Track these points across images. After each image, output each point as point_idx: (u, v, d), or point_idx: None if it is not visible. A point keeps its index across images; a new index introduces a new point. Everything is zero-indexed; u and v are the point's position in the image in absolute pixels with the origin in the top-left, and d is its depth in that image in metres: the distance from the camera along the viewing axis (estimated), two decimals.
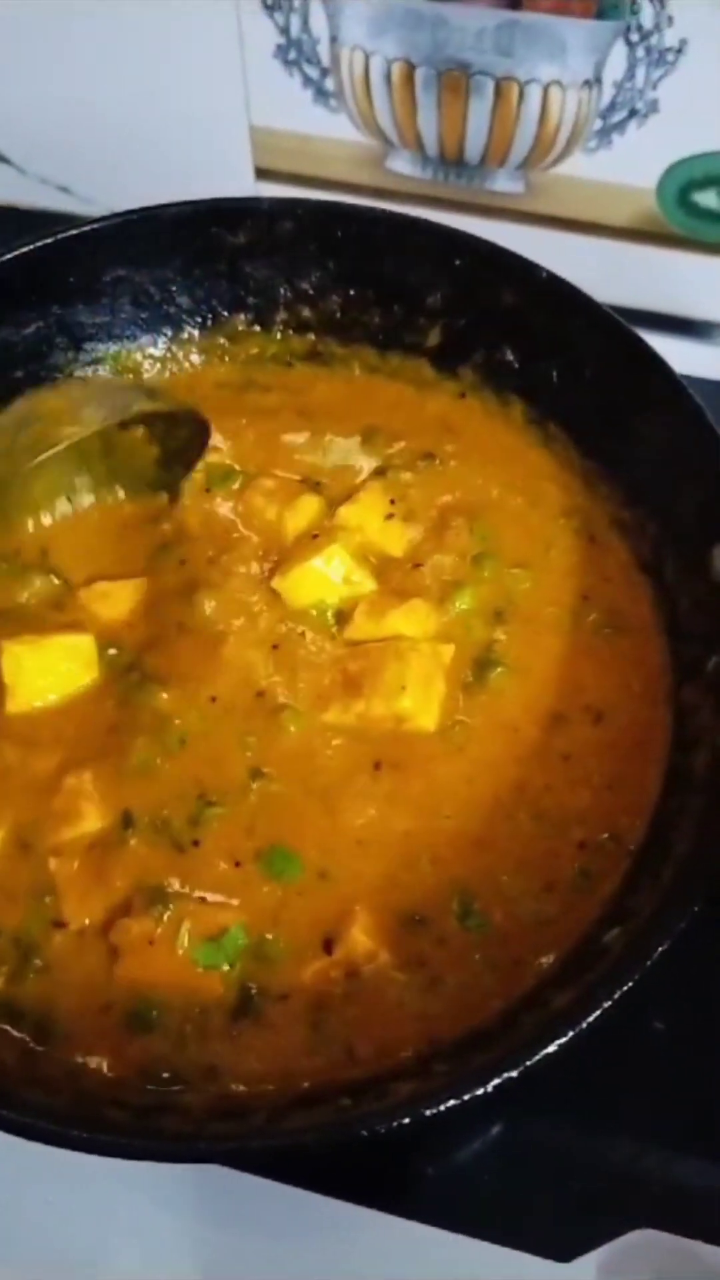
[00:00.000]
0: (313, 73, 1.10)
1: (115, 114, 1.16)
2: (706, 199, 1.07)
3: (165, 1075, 0.63)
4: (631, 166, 1.07)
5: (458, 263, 0.84)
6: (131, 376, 0.90)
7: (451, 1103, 0.56)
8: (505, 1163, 0.76)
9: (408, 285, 0.87)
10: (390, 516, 0.82)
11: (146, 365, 0.92)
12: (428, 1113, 0.55)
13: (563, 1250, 0.72)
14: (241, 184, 1.16)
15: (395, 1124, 0.55)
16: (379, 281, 0.88)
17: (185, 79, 1.11)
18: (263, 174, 1.16)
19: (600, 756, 0.72)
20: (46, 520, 0.81)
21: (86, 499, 0.82)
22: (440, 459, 0.86)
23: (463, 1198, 0.74)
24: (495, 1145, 0.77)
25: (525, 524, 0.83)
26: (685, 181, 1.07)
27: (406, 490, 0.84)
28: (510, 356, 0.86)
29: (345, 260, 0.88)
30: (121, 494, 0.83)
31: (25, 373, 0.87)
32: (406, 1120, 0.55)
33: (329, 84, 1.09)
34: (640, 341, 0.76)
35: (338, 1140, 0.56)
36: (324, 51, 1.07)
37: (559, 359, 0.84)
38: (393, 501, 0.83)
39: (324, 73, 1.09)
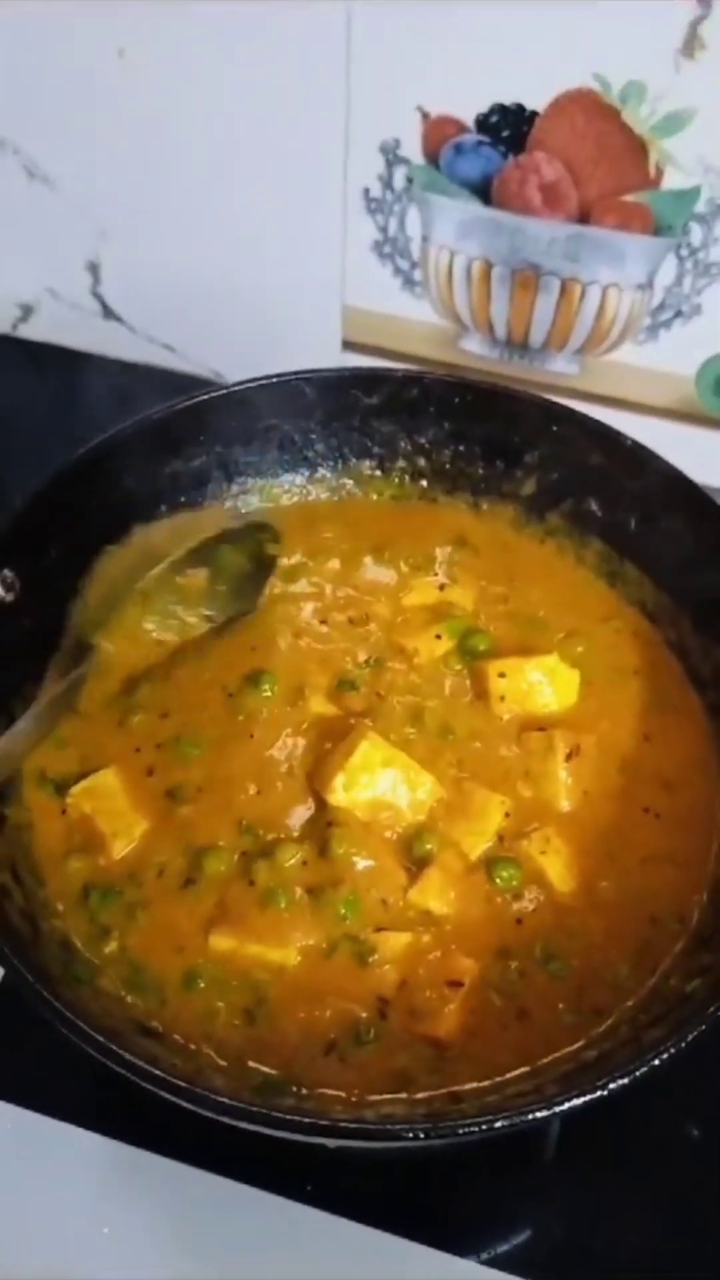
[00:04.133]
0: (403, 265, 1.20)
1: (223, 284, 1.26)
2: None
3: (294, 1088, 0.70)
4: (674, 358, 1.15)
5: (555, 429, 0.93)
6: (231, 504, 1.00)
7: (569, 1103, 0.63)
8: (556, 1196, 0.81)
9: (510, 444, 0.97)
10: (443, 587, 0.93)
11: (284, 498, 1.02)
12: (545, 1112, 0.62)
13: None
14: (330, 353, 1.26)
15: (520, 1120, 0.62)
16: (486, 440, 0.98)
17: (291, 260, 1.21)
18: (349, 345, 1.27)
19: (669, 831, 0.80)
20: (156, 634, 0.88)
21: (190, 618, 0.89)
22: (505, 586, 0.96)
23: (503, 1230, 0.80)
24: (547, 1177, 0.82)
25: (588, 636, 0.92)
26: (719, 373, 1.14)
27: (456, 573, 0.95)
28: (594, 507, 0.96)
29: (458, 422, 0.98)
30: (215, 613, 0.90)
31: (187, 498, 0.97)
32: (534, 1115, 0.63)
33: (417, 275, 1.19)
34: (706, 497, 0.86)
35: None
36: (415, 248, 1.17)
37: (638, 510, 0.93)
38: (441, 588, 0.94)
39: (413, 265, 1.18)
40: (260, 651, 0.88)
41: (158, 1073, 0.61)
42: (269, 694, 0.85)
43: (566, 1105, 0.61)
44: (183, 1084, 0.60)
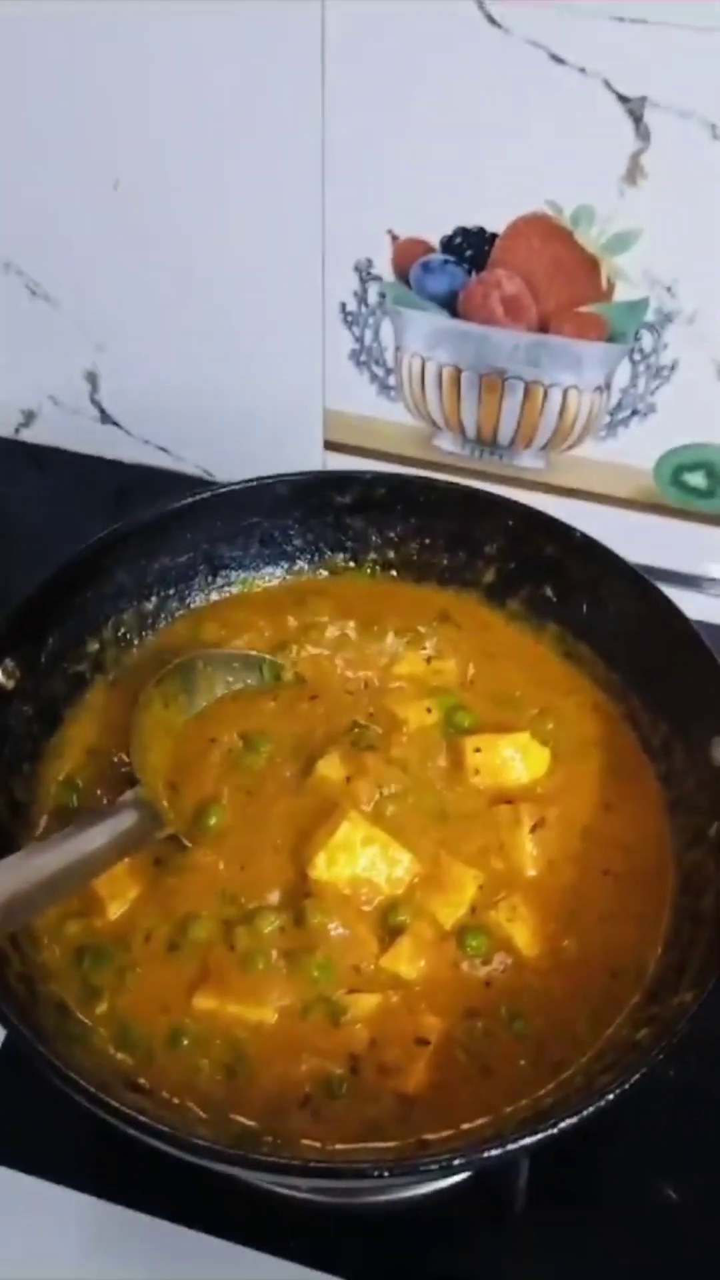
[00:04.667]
0: (379, 372, 1.24)
1: (212, 391, 1.30)
2: (695, 479, 1.20)
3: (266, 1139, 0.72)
4: (633, 452, 1.19)
5: (510, 523, 0.98)
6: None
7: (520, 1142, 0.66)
8: (531, 1245, 0.83)
9: (470, 537, 1.01)
10: (430, 660, 0.96)
11: (261, 587, 1.06)
12: (499, 1150, 0.65)
13: None
14: (313, 453, 1.30)
15: (476, 1156, 0.66)
16: (448, 534, 1.02)
17: (274, 368, 1.25)
18: (331, 445, 1.30)
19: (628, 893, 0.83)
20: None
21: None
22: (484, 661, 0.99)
23: None
24: (521, 1226, 0.83)
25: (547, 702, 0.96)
26: (676, 465, 1.20)
27: (442, 646, 0.99)
28: (550, 593, 1.00)
29: (423, 517, 1.02)
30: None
31: (174, 591, 1.02)
32: (489, 1153, 0.66)
33: (391, 381, 1.23)
34: (653, 587, 0.90)
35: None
36: (389, 356, 1.21)
37: (588, 596, 0.97)
38: (429, 660, 0.97)
39: (388, 372, 1.23)
40: (263, 715, 0.92)
41: (145, 1120, 0.64)
42: (264, 757, 0.88)
43: (519, 1144, 0.65)
44: (167, 1130, 0.64)
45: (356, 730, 0.89)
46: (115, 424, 1.37)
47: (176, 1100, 0.73)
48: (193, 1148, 0.65)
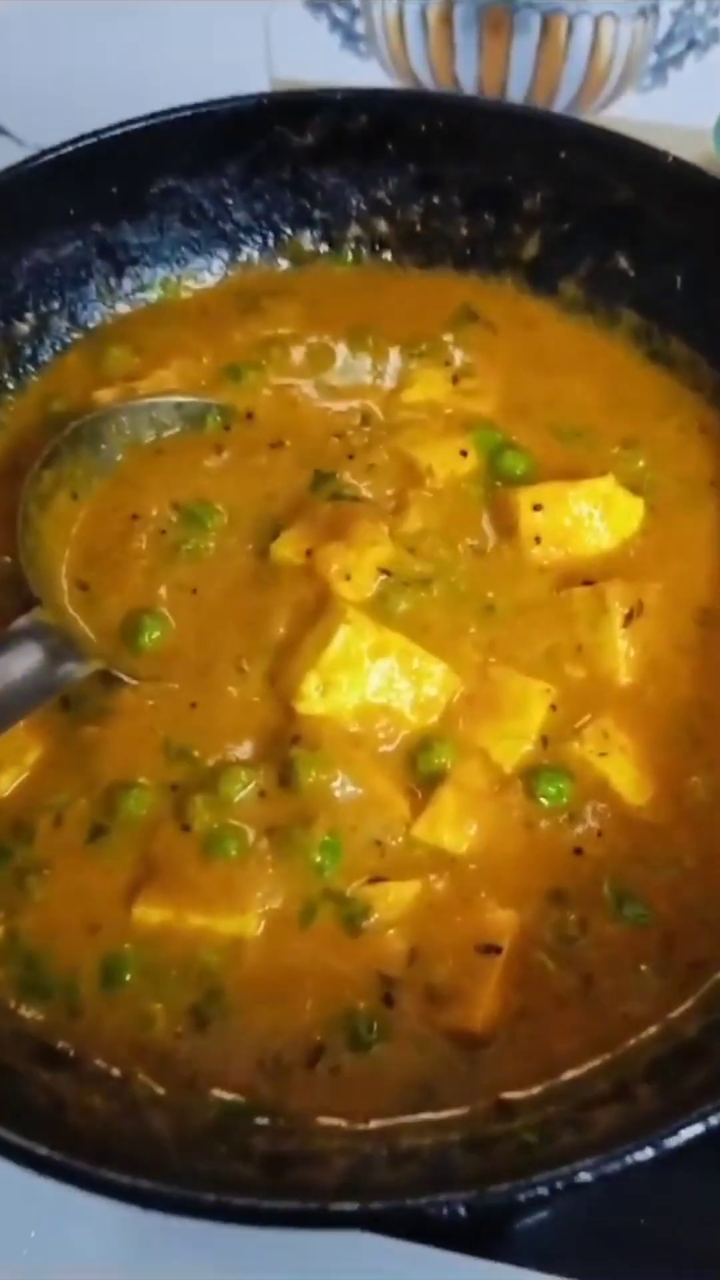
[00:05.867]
0: (341, 15, 1.09)
1: (125, 72, 1.07)
2: None
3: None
4: (688, 105, 1.02)
5: (563, 155, 0.78)
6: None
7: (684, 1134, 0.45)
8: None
9: (503, 187, 0.81)
10: (457, 379, 0.77)
11: (192, 290, 0.85)
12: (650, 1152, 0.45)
13: None
14: None
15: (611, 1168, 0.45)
16: (468, 185, 0.83)
17: (204, 30, 1.08)
18: None
19: None
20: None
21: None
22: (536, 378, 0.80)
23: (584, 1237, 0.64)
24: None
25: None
26: None
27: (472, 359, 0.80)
28: (624, 263, 0.80)
29: (428, 161, 0.82)
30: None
31: (59, 304, 0.81)
32: (632, 1158, 0.45)
33: (359, 27, 1.08)
34: None
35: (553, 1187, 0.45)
36: None
37: (684, 259, 0.77)
38: (455, 380, 0.78)
39: (354, 15, 1.08)
40: (205, 475, 0.75)
41: (47, 1154, 0.45)
42: (211, 538, 0.71)
43: (680, 1137, 0.45)
44: (84, 1169, 0.44)
45: (339, 484, 0.73)
46: (4, 133, 1.15)
47: (117, 1071, 0.57)
48: (132, 1194, 0.43)
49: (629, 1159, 0.44)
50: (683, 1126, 0.45)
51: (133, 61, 1.11)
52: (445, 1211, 0.44)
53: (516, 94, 1.09)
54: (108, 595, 0.71)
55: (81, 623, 0.69)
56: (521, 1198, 0.44)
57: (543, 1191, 0.44)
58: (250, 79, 1.09)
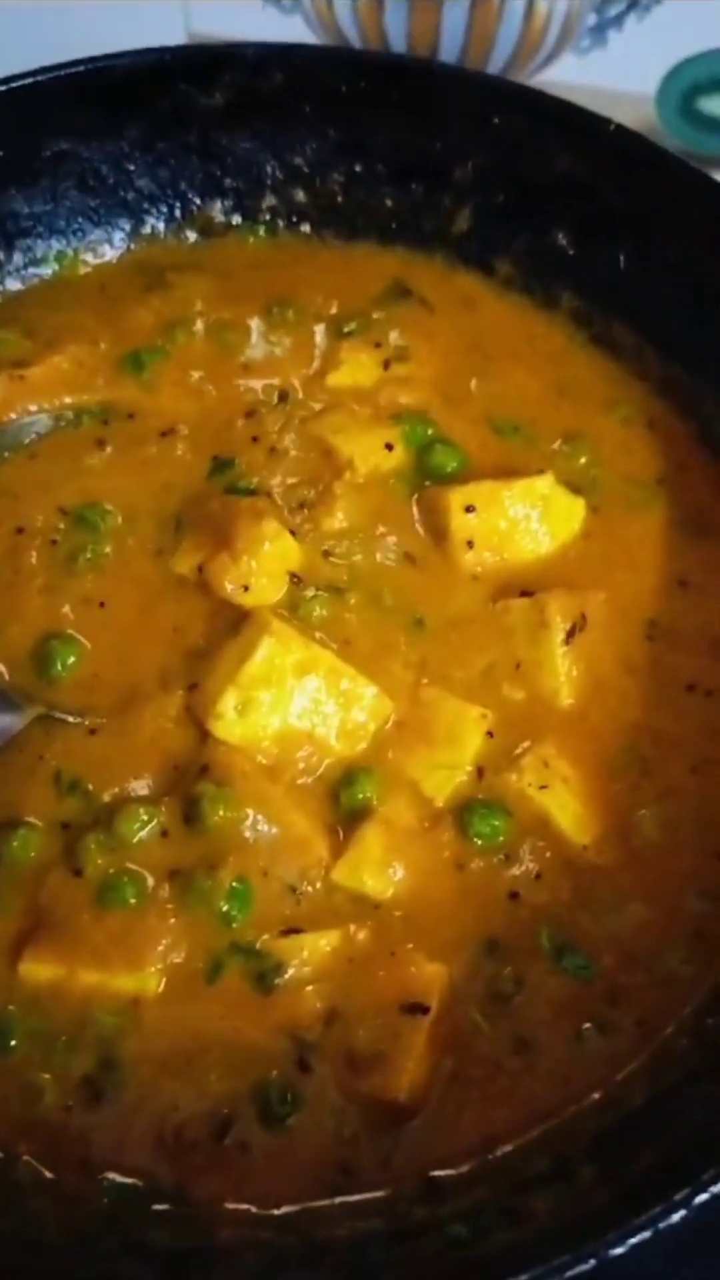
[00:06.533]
0: None
1: (43, 27, 1.05)
2: (714, 105, 1.02)
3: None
4: (629, 69, 1.01)
5: (497, 121, 0.73)
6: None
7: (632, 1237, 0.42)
8: None
9: (430, 155, 0.77)
10: (388, 363, 0.73)
11: (91, 265, 0.79)
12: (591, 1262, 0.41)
13: None
14: None
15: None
16: (394, 152, 0.78)
17: None
18: None
19: None
20: None
21: None
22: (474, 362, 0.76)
23: None
24: None
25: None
26: (689, 85, 1.02)
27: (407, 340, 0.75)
28: (563, 240, 0.76)
29: (350, 125, 0.77)
30: None
31: None
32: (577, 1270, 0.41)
33: None
34: None
35: None
36: None
37: (629, 238, 0.74)
38: (386, 364, 0.73)
39: None
40: (90, 474, 0.70)
41: None
42: (108, 543, 0.67)
43: (627, 1243, 0.41)
44: None
45: (237, 473, 0.69)
46: None
47: None
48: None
49: (567, 1274, 0.39)
50: (630, 1234, 0.41)
51: (37, 12, 1.08)
52: None
53: (449, 55, 1.06)
54: (9, 624, 0.66)
55: (2, 669, 0.64)
56: None
57: None
58: (166, 34, 1.03)
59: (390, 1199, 0.52)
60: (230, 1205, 0.52)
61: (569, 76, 1.04)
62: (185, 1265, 0.48)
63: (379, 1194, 0.52)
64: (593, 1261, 0.40)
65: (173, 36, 1.06)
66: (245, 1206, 0.51)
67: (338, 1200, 0.52)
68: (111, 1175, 0.52)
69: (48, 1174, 0.52)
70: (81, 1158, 0.52)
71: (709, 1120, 0.47)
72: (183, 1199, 0.53)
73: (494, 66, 1.05)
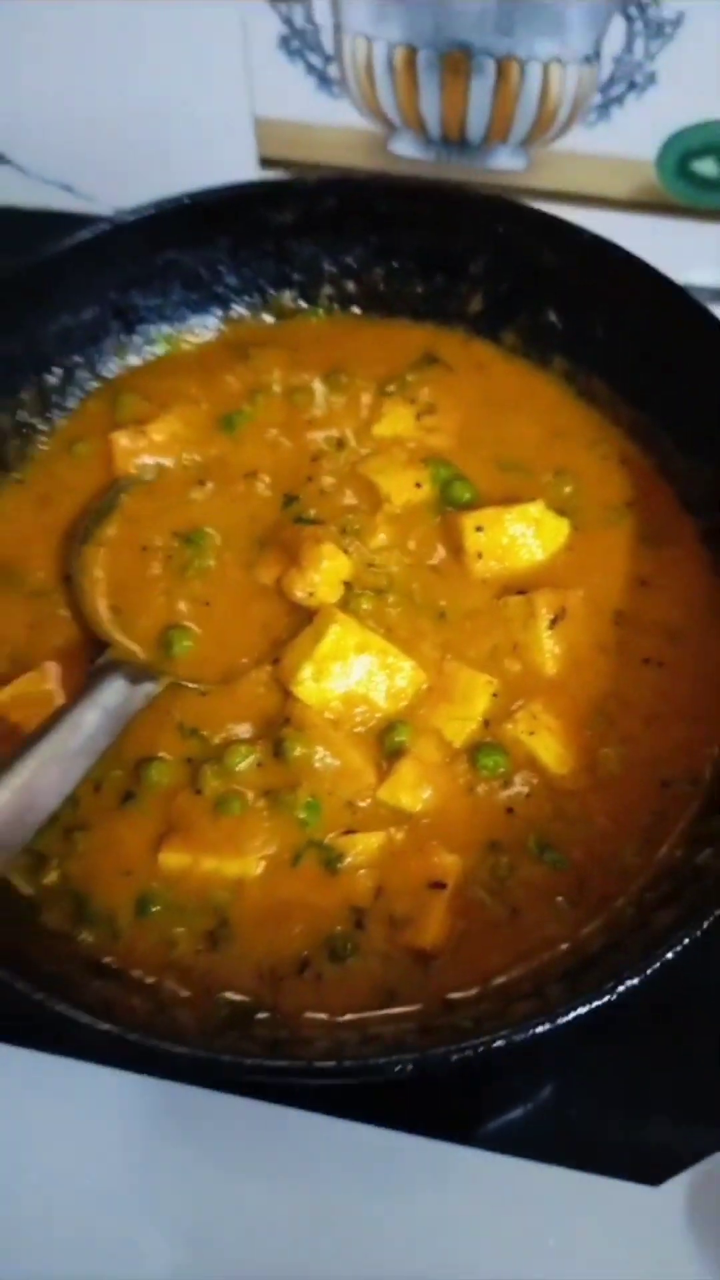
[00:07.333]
0: (316, 61, 1.10)
1: (117, 110, 1.16)
2: (705, 167, 1.08)
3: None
4: (631, 139, 1.08)
5: (500, 229, 0.85)
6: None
7: (574, 1013, 0.57)
8: (591, 1091, 0.76)
9: (450, 254, 0.88)
10: (421, 415, 0.84)
11: (192, 344, 0.92)
12: (548, 1026, 0.56)
13: (652, 1174, 0.73)
14: (246, 174, 1.18)
15: (520, 1037, 0.56)
16: (421, 252, 0.89)
17: (188, 73, 1.12)
18: (268, 163, 1.17)
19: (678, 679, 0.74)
20: None
21: None
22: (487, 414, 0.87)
23: (551, 1128, 0.75)
24: (581, 1075, 0.77)
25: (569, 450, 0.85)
26: (684, 151, 1.08)
27: (435, 396, 0.86)
28: (554, 317, 0.87)
29: (387, 233, 0.88)
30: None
31: (83, 358, 0.89)
32: (535, 1030, 0.56)
33: (332, 71, 1.10)
34: (686, 295, 0.79)
35: (478, 1054, 0.56)
36: (327, 40, 1.07)
37: (603, 315, 0.84)
38: (419, 416, 0.84)
39: (327, 60, 1.09)
40: (195, 506, 0.82)
41: (108, 1028, 0.57)
42: (211, 558, 0.79)
43: (571, 1015, 0.56)
44: (135, 1037, 0.56)
45: (303, 506, 0.81)
46: (8, 162, 1.23)
47: (151, 980, 0.66)
48: (169, 1055, 0.56)
49: (532, 1031, 0.56)
50: (574, 1008, 0.57)
51: (129, 100, 1.16)
52: (398, 1069, 0.56)
53: (476, 130, 1.11)
54: (139, 617, 0.78)
55: (139, 650, 0.76)
56: (454, 1058, 0.56)
57: (468, 1054, 0.56)
58: (235, 119, 1.15)
59: (420, 1011, 0.64)
60: (309, 1014, 0.65)
61: (580, 146, 1.10)
62: (278, 1046, 0.62)
63: (412, 1008, 0.64)
64: (548, 1025, 0.56)
65: (242, 118, 1.14)
66: (320, 1015, 0.65)
67: (383, 1012, 0.64)
68: (228, 994, 0.65)
69: (184, 993, 0.65)
70: (206, 984, 0.66)
71: (631, 961, 0.59)
72: (276, 1009, 0.64)
73: (514, 139, 1.11)
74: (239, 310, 0.93)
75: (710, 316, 0.76)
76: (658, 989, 0.59)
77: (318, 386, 0.88)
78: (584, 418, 0.86)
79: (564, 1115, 0.76)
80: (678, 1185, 0.72)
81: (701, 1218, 0.71)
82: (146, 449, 0.85)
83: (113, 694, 0.71)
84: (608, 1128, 0.75)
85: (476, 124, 1.11)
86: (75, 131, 1.18)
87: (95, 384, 0.90)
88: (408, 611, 0.77)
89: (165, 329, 0.92)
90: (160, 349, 0.92)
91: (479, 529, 0.78)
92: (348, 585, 0.76)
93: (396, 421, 0.85)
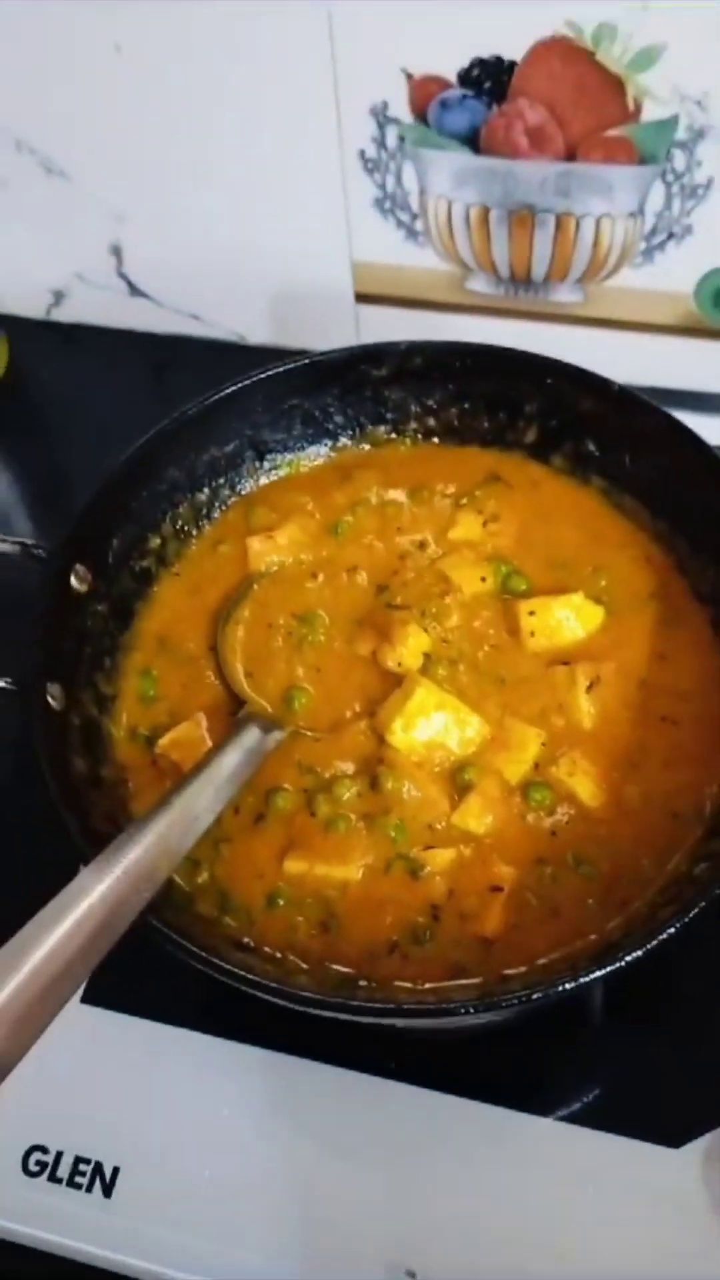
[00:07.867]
0: (404, 218, 1.22)
1: (239, 252, 1.30)
2: None
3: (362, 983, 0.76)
4: (672, 277, 1.19)
5: (549, 381, 0.97)
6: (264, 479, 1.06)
7: (591, 976, 0.70)
8: (614, 1054, 0.86)
9: (510, 398, 1.00)
10: (487, 523, 0.96)
11: (307, 467, 1.07)
12: (570, 984, 0.69)
13: (674, 1136, 0.81)
14: (345, 307, 1.31)
15: (553, 991, 0.69)
16: (487, 396, 1.01)
17: (299, 225, 1.25)
18: (362, 298, 1.30)
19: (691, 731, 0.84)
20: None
21: None
22: (538, 520, 0.99)
23: (573, 1089, 0.84)
24: (602, 1039, 0.87)
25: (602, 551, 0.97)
26: (717, 286, 1.19)
27: (497, 507, 0.98)
28: (592, 447, 0.99)
29: (461, 383, 1.01)
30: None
31: (224, 480, 1.03)
32: (563, 986, 0.70)
33: (418, 226, 1.22)
34: (689, 432, 0.91)
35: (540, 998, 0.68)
36: (414, 201, 1.19)
37: (629, 446, 0.97)
38: (485, 524, 0.97)
39: (414, 217, 1.21)
40: (309, 593, 0.94)
41: (253, 977, 0.71)
42: (321, 634, 0.91)
43: (590, 976, 0.69)
44: (274, 985, 0.70)
45: (392, 595, 0.92)
46: (144, 295, 1.37)
47: (279, 955, 0.77)
48: (299, 998, 0.71)
49: (561, 987, 0.70)
50: (590, 973, 0.71)
51: (248, 244, 1.30)
52: (464, 1011, 0.70)
53: (539, 272, 1.23)
54: (267, 679, 0.90)
55: (268, 705, 0.88)
56: (504, 1004, 0.69)
57: (515, 1004, 0.71)
58: (336, 262, 1.29)
59: (481, 983, 0.75)
60: (397, 982, 0.76)
61: (628, 282, 1.21)
62: (373, 998, 0.75)
63: (476, 980, 0.75)
64: (570, 984, 0.70)
65: (342, 261, 1.28)
66: (406, 984, 0.76)
67: (454, 982, 0.75)
68: (335, 966, 0.76)
69: (304, 965, 0.77)
70: (320, 959, 0.77)
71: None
72: (372, 978, 0.75)
73: (571, 278, 1.23)
74: (344, 441, 1.06)
75: (709, 453, 0.89)
76: (687, 977, 0.73)
77: (404, 500, 0.99)
78: (617, 525, 0.97)
79: (588, 1077, 0.85)
80: (697, 1148, 0.80)
81: (717, 1178, 0.78)
82: (273, 550, 0.97)
83: (249, 739, 0.82)
84: (634, 1094, 0.83)
85: (540, 267, 1.22)
86: (202, 271, 1.33)
87: (234, 499, 1.03)
88: (475, 678, 0.88)
89: (288, 456, 1.05)
90: (284, 472, 1.05)
91: (532, 613, 0.89)
92: (427, 656, 0.87)
93: (467, 528, 0.97)
